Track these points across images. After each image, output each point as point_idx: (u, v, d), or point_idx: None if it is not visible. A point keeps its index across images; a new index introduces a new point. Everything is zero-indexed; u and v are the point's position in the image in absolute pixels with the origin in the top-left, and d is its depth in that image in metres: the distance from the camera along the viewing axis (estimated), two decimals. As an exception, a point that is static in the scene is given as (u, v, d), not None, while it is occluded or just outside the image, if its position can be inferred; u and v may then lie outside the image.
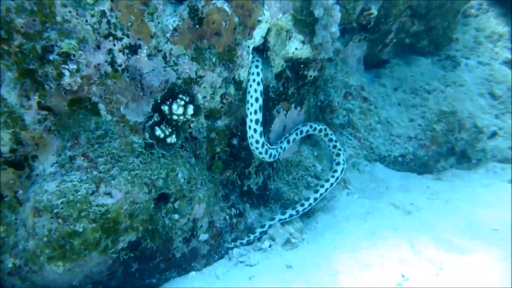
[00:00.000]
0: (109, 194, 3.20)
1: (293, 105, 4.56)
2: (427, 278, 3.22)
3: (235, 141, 4.08)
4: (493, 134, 5.86)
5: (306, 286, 3.37)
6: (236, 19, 3.32)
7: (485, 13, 7.13)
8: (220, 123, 3.89)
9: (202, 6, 3.16)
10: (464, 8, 6.34)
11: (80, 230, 3.08)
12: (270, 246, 4.12)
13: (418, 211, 4.43)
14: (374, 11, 4.64)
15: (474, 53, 6.46)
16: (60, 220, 3.06)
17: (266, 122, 4.31)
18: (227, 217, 4.11)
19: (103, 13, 3.03)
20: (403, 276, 3.26)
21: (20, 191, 3.33)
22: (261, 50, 4.03)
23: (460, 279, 3.15)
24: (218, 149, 3.97)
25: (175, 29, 3.20)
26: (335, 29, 3.86)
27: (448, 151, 5.76)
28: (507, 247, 3.56)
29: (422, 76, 6.02)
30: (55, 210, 3.06)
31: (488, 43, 6.70)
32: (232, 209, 4.18)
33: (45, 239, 3.07)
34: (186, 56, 3.29)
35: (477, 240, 3.82)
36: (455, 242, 3.75)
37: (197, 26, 3.21)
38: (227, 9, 3.23)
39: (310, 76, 4.39)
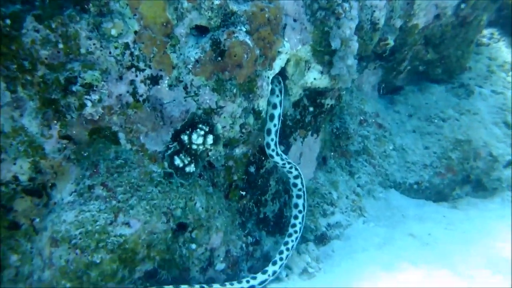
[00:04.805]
0: (127, 224, 3.18)
1: (309, 133, 4.55)
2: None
3: (252, 169, 4.06)
4: (509, 163, 5.80)
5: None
6: (257, 51, 3.34)
7: (497, 42, 7.16)
8: (238, 151, 3.88)
9: (225, 39, 3.19)
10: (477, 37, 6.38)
11: (98, 261, 3.06)
12: (287, 275, 4.06)
13: (436, 243, 4.36)
14: (391, 41, 4.68)
15: (487, 82, 6.45)
16: (78, 251, 3.04)
17: (283, 149, 4.29)
18: (244, 245, 4.06)
19: (126, 45, 3.06)
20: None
21: (37, 220, 3.31)
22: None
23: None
24: (236, 177, 3.95)
25: (197, 61, 3.23)
26: (351, 62, 3.86)
27: (464, 179, 5.71)
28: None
29: (436, 103, 6.02)
30: (73, 241, 3.04)
31: (500, 72, 6.70)
32: (249, 237, 4.13)
33: (62, 269, 3.04)
34: (207, 87, 3.31)
35: (498, 275, 3.73)
36: (476, 276, 3.66)
37: (219, 58, 3.23)
38: (249, 42, 3.26)
39: (327, 104, 4.40)
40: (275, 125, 3.86)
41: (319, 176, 4.92)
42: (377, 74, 5.82)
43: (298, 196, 4.30)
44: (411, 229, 4.67)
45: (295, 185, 4.27)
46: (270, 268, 3.95)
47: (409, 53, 5.67)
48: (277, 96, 3.85)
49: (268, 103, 3.81)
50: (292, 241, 4.18)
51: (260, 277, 3.87)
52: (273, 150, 3.90)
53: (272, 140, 3.87)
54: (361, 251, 4.38)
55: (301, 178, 4.23)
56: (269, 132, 3.87)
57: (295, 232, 4.23)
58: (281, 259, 4.04)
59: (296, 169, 4.13)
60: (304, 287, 3.95)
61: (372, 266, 4.04)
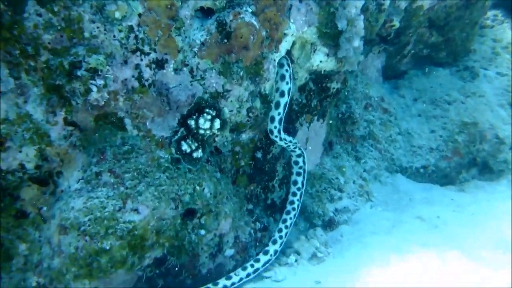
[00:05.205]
0: (136, 210, 3.15)
1: (315, 117, 4.51)
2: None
3: (259, 155, 4.02)
4: (515, 145, 5.77)
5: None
6: (264, 33, 3.29)
7: (500, 24, 7.09)
8: (244, 137, 3.84)
9: (230, 21, 3.13)
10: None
11: (107, 247, 3.03)
12: (296, 260, 4.04)
13: (445, 225, 4.33)
14: (396, 23, 4.62)
15: (492, 64, 6.39)
16: (87, 238, 3.01)
17: (290, 135, 4.24)
18: (252, 231, 4.04)
19: (131, 29, 3.00)
20: (438, 293, 3.16)
21: (44, 208, 3.27)
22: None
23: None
24: (243, 163, 3.91)
25: (202, 44, 3.17)
26: (357, 43, 3.82)
27: (470, 162, 5.68)
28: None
29: (441, 87, 5.97)
30: (82, 228, 3.01)
31: (505, 54, 6.63)
32: (257, 223, 4.11)
33: (71, 256, 3.01)
34: (213, 70, 3.26)
35: (508, 254, 3.71)
36: (487, 257, 3.64)
37: (225, 41, 3.18)
38: (255, 23, 3.20)
39: (333, 88, 4.34)
40: (279, 114, 3.78)
41: (325, 162, 4.89)
42: (381, 58, 5.76)
43: (298, 174, 4.29)
44: (419, 212, 4.64)
45: (296, 162, 4.26)
46: (271, 248, 3.95)
47: (414, 36, 5.61)
48: (287, 83, 3.74)
49: (276, 89, 3.74)
50: (291, 218, 4.17)
51: (263, 258, 3.87)
52: (276, 136, 3.86)
53: (275, 127, 3.81)
54: (370, 235, 4.36)
55: (303, 157, 4.22)
56: (272, 119, 3.81)
57: (293, 209, 4.23)
58: (280, 237, 4.05)
59: (299, 148, 4.12)
60: (314, 272, 3.93)
61: (382, 250, 4.01)
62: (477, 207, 4.79)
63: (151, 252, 3.27)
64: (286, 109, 3.79)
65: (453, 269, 3.54)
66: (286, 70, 3.74)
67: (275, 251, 3.95)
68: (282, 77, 3.74)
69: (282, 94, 3.75)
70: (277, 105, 3.76)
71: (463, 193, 5.32)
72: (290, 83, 3.75)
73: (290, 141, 3.94)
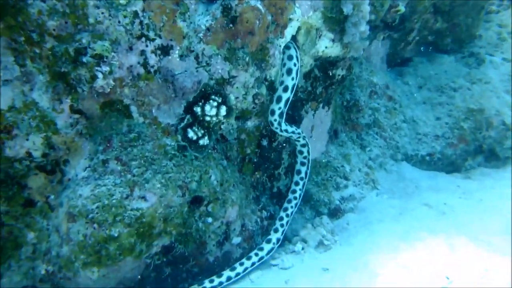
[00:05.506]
0: (143, 198, 3.14)
1: (321, 105, 4.48)
2: (473, 280, 3.11)
3: (264, 142, 4.01)
4: (522, 131, 5.72)
5: (346, 289, 3.28)
6: (269, 18, 3.26)
7: (506, 9, 7.01)
8: (250, 124, 3.82)
9: (236, 5, 3.10)
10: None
11: (116, 235, 3.03)
12: (303, 248, 4.04)
13: (452, 212, 4.32)
14: (402, 8, 4.56)
15: (498, 50, 6.34)
16: (95, 225, 3.00)
17: (295, 123, 4.23)
18: (258, 219, 4.03)
19: (135, 14, 2.98)
20: (447, 278, 3.15)
21: (52, 196, 3.27)
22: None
23: (508, 280, 3.03)
24: (249, 151, 3.90)
25: (207, 29, 3.15)
26: (364, 28, 3.80)
27: (476, 149, 5.64)
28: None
29: (446, 74, 5.92)
30: (90, 215, 3.01)
31: (511, 39, 6.57)
32: (263, 211, 4.10)
33: (80, 244, 3.01)
34: (219, 56, 3.23)
35: (517, 239, 3.70)
36: (495, 243, 3.63)
37: (231, 25, 3.15)
38: (261, 7, 3.17)
39: (339, 75, 4.31)
40: (280, 108, 3.71)
41: (331, 150, 4.87)
42: (386, 45, 5.72)
43: (302, 163, 4.29)
44: (426, 199, 4.63)
45: (301, 152, 4.26)
46: (274, 236, 3.96)
47: (418, 23, 5.55)
48: (292, 78, 3.66)
49: (281, 82, 3.68)
50: (292, 207, 4.19)
51: (266, 246, 3.89)
52: (276, 128, 3.81)
53: (275, 120, 3.74)
54: (376, 222, 4.35)
55: (308, 147, 4.21)
56: (273, 112, 3.75)
57: (295, 198, 4.24)
58: (282, 225, 4.06)
59: (303, 138, 4.11)
60: (321, 259, 3.92)
61: (389, 237, 4.00)
62: (485, 193, 4.77)
63: (159, 240, 3.27)
64: (288, 104, 3.72)
65: (461, 255, 3.53)
66: (294, 64, 3.66)
67: (278, 239, 3.96)
68: (289, 71, 3.66)
69: (285, 89, 3.68)
70: (279, 100, 3.70)
71: (469, 180, 5.30)
72: (296, 79, 3.68)
73: (293, 132, 3.92)
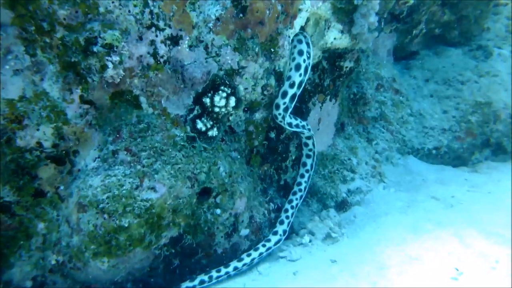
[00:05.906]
0: (153, 188, 3.14)
1: (328, 97, 4.47)
2: (483, 272, 3.10)
3: (272, 135, 4.00)
4: (529, 125, 5.70)
5: (354, 280, 3.28)
6: (279, 8, 3.24)
7: (515, 1, 6.95)
8: (258, 116, 3.81)
9: (246, -6, 3.08)
10: (495, -5, 6.21)
11: (126, 225, 3.03)
12: (310, 241, 4.04)
13: (461, 204, 4.31)
14: (411, -1, 4.55)
15: (506, 42, 6.29)
16: (105, 215, 3.01)
17: (302, 115, 4.22)
18: (266, 212, 4.03)
19: (145, 3, 2.96)
20: (457, 270, 3.14)
21: (62, 187, 3.27)
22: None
23: (519, 272, 3.03)
24: (256, 143, 3.89)
25: (217, 19, 3.13)
26: (373, 19, 3.78)
27: (483, 143, 5.63)
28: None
29: (453, 67, 5.89)
30: (101, 205, 3.01)
31: (520, 32, 6.53)
32: (271, 203, 4.10)
33: (90, 234, 3.02)
34: (229, 47, 3.22)
35: (527, 231, 3.69)
36: (506, 235, 3.61)
37: (241, 15, 3.13)
38: (271, -3, 3.15)
39: (346, 67, 4.30)
40: (284, 103, 3.67)
41: (338, 143, 4.86)
42: (392, 38, 5.69)
43: (308, 156, 4.31)
44: (434, 192, 4.62)
45: (306, 144, 4.27)
46: (280, 228, 3.98)
47: (426, 15, 5.52)
48: (300, 75, 3.62)
49: (288, 77, 3.64)
50: (297, 199, 4.21)
51: (273, 238, 3.91)
52: (280, 122, 3.80)
53: (279, 114, 3.72)
54: (384, 215, 4.35)
55: (313, 139, 4.22)
56: (277, 107, 3.74)
57: (300, 190, 4.26)
58: (287, 217, 4.08)
59: (309, 130, 4.11)
60: (329, 252, 3.92)
61: (397, 229, 4.00)
62: (493, 186, 4.76)
63: (168, 231, 3.27)
64: (295, 100, 3.68)
65: (470, 246, 3.52)
66: (304, 60, 3.61)
67: (284, 231, 3.98)
68: (297, 67, 3.60)
69: (292, 85, 3.63)
70: (284, 95, 3.66)
71: (476, 173, 5.29)
72: (304, 75, 3.63)
73: (297, 125, 3.92)
